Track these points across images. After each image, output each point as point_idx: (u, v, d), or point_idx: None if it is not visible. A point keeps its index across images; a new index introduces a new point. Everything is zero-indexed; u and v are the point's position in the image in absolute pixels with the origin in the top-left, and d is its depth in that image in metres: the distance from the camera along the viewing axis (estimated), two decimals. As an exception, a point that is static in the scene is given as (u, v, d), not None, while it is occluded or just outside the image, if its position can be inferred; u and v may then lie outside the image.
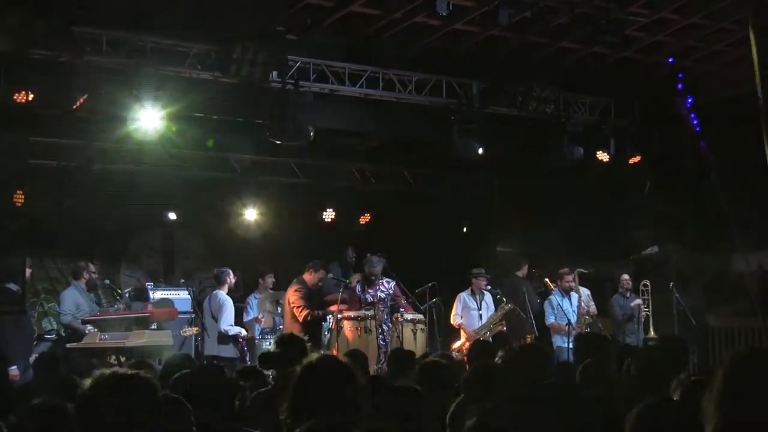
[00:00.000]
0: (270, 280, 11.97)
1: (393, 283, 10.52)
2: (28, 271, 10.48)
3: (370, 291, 10.36)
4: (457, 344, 11.04)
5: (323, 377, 3.09)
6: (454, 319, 11.43)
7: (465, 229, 14.27)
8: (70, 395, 3.30)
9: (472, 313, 11.42)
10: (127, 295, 10.86)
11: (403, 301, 10.54)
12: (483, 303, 11.48)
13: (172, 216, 12.94)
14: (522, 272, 12.44)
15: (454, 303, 11.51)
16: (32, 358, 9.03)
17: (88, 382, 2.85)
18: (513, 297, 11.44)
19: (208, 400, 4.29)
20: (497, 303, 11.41)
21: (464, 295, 11.55)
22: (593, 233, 12.73)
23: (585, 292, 11.70)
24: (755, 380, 2.18)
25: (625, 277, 12.12)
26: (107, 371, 2.90)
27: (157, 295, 11.30)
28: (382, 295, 10.34)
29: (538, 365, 4.87)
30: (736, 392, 2.17)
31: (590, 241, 12.69)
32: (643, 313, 11.75)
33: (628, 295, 11.99)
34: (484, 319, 11.29)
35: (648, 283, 12.04)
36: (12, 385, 8.42)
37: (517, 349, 5.50)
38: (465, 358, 9.48)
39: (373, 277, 10.42)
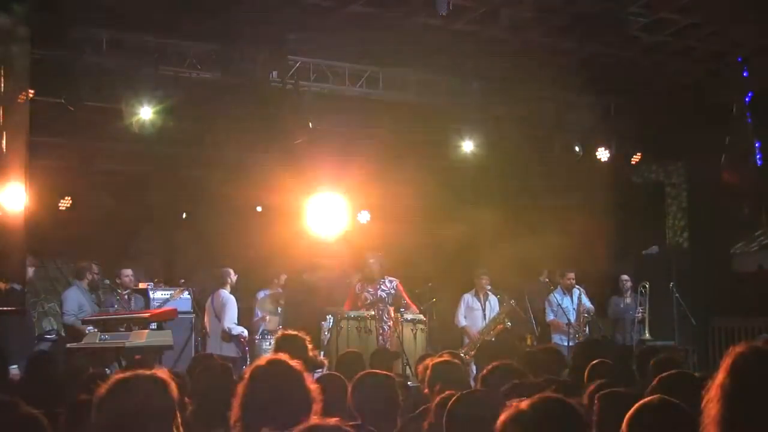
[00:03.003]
0: (284, 278, 11.95)
1: (395, 282, 10.42)
2: (31, 270, 10.46)
3: (369, 289, 10.31)
4: (465, 345, 11.05)
5: (271, 380, 3.05)
6: (458, 321, 11.41)
7: (464, 229, 14.24)
8: (59, 395, 3.20)
9: (476, 313, 11.39)
10: (133, 300, 10.84)
11: (404, 301, 10.48)
12: (487, 303, 11.43)
13: (184, 215, 12.98)
14: (543, 277, 12.40)
15: (458, 304, 11.50)
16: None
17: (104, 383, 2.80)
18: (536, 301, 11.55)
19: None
20: (501, 302, 11.40)
21: (467, 296, 11.52)
22: (593, 233, 12.70)
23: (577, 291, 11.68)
24: (759, 376, 2.16)
25: (624, 277, 12.10)
26: (127, 374, 2.81)
27: (157, 295, 11.30)
28: (383, 294, 10.27)
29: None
30: (739, 388, 2.15)
31: (590, 241, 12.65)
32: (639, 314, 11.68)
33: (625, 295, 11.95)
34: (488, 320, 11.27)
35: (647, 284, 12.01)
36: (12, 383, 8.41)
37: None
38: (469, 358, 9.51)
39: (371, 275, 10.34)
